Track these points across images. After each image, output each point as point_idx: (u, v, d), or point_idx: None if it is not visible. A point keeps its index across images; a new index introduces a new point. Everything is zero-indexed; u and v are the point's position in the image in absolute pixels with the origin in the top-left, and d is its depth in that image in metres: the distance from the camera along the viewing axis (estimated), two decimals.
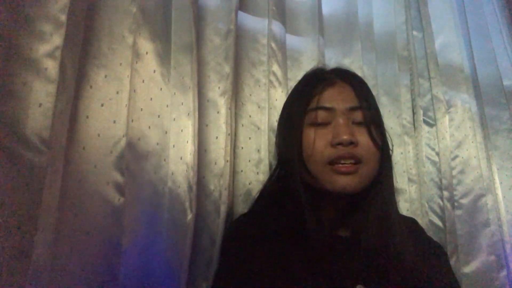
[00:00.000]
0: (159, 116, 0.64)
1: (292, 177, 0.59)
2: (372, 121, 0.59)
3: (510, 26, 1.29)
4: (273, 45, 0.81)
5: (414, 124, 1.03)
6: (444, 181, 0.96)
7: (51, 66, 0.44)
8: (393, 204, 0.61)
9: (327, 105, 0.60)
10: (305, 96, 0.62)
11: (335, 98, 0.60)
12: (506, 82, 1.20)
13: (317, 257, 0.55)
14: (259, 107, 0.78)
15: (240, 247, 0.59)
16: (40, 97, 0.43)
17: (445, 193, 0.95)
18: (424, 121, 1.03)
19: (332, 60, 0.96)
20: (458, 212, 0.98)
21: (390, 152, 0.63)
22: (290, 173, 0.61)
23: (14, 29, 0.43)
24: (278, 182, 0.65)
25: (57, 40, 0.45)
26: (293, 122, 0.62)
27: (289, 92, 0.72)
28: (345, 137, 0.56)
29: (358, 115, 0.59)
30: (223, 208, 0.65)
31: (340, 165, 0.56)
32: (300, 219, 0.56)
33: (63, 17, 0.46)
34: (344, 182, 0.56)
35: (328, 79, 0.63)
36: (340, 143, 0.56)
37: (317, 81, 0.63)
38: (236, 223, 0.66)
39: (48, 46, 0.45)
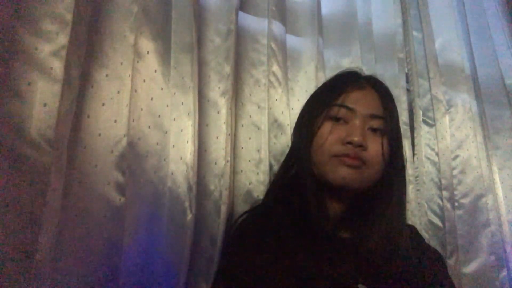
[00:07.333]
0: (159, 116, 0.64)
1: (299, 163, 0.62)
2: (388, 133, 0.61)
3: None
4: (273, 45, 0.80)
5: (412, 125, 1.03)
6: (443, 181, 0.95)
7: (57, 66, 0.44)
8: (402, 217, 0.63)
9: (350, 105, 0.61)
10: (332, 91, 0.64)
11: (360, 101, 0.62)
12: (508, 81, 1.20)
13: (319, 256, 0.56)
14: (259, 107, 0.78)
15: (242, 246, 0.59)
16: (45, 97, 0.43)
17: (445, 193, 0.95)
18: (424, 121, 1.02)
19: (331, 61, 0.96)
20: (459, 212, 0.98)
21: (404, 167, 0.64)
22: (298, 159, 0.64)
23: (19, 28, 0.43)
24: (286, 173, 0.67)
25: (62, 39, 0.45)
26: (314, 112, 0.64)
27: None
28: (356, 138, 0.58)
29: (376, 123, 0.61)
30: (223, 209, 0.65)
31: (346, 158, 0.58)
32: (305, 212, 0.58)
33: (69, 16, 0.45)
34: (345, 172, 0.58)
35: (360, 82, 0.65)
36: (350, 142, 0.58)
37: (348, 80, 0.66)
38: (239, 222, 0.65)
39: (53, 46, 0.44)
